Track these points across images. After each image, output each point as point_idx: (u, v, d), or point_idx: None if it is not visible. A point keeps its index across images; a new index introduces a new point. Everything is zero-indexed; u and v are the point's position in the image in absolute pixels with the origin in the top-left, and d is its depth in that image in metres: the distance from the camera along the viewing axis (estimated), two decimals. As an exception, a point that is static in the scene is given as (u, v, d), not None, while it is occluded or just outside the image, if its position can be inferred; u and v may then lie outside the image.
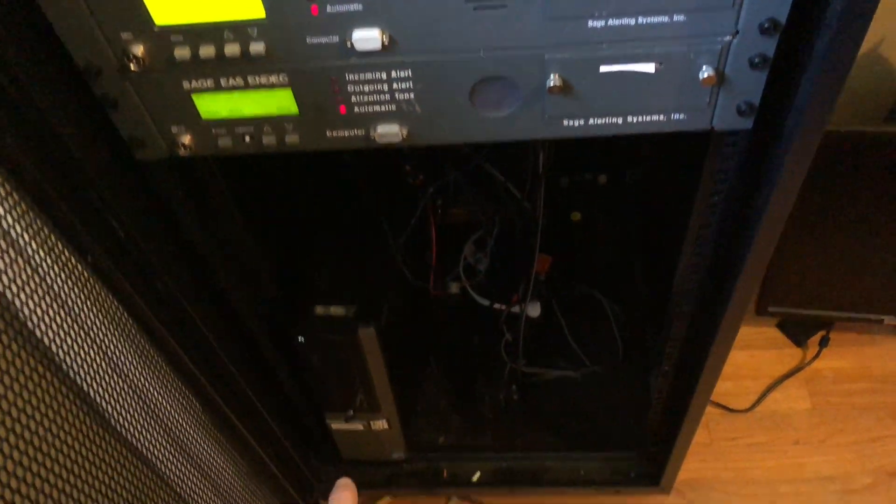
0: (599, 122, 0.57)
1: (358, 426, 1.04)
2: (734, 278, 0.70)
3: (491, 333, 1.19)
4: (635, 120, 0.57)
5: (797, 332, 1.33)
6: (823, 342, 1.30)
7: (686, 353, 0.90)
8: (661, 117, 0.56)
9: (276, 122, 0.57)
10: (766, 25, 0.49)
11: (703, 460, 1.21)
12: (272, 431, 0.95)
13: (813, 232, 1.12)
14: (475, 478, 1.15)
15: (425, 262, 1.12)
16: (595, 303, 1.26)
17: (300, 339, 0.88)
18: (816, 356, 1.30)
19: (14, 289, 0.49)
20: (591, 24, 0.50)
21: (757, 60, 0.52)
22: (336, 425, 1.04)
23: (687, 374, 0.90)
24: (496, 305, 1.23)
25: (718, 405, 1.27)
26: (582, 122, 0.57)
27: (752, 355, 1.33)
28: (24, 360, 0.49)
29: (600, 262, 1.32)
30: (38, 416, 0.50)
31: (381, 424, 1.04)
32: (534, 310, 1.24)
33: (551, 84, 0.53)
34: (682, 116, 0.56)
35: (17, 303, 0.49)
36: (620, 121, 0.57)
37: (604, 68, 0.53)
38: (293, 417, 1.03)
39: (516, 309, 1.18)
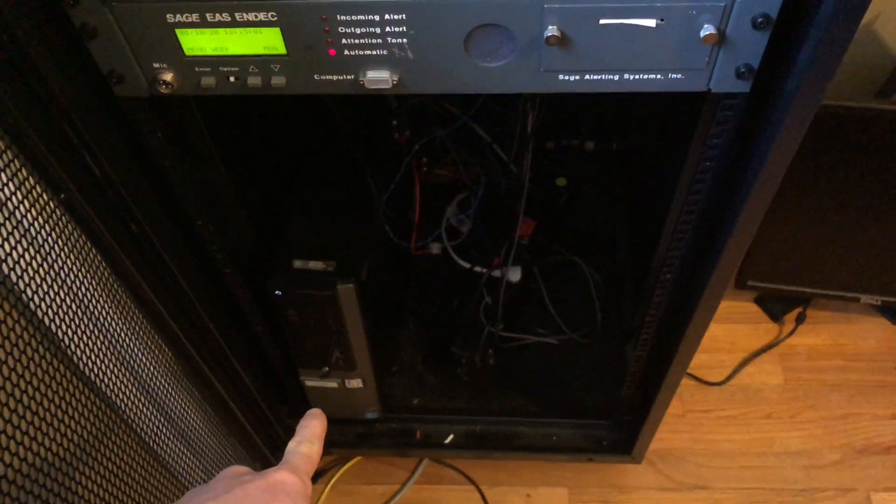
0: (595, 78, 0.55)
1: (332, 384, 1.03)
2: (720, 249, 0.70)
3: (470, 296, 1.18)
4: (632, 78, 0.55)
5: (774, 307, 1.34)
6: (800, 318, 1.31)
7: (665, 323, 0.90)
8: (659, 76, 0.55)
9: (262, 63, 0.55)
10: (772, -17, 0.48)
11: (676, 431, 1.22)
12: (244, 384, 0.94)
13: (796, 208, 1.12)
14: (448, 440, 1.15)
15: (408, 221, 1.10)
16: (576, 270, 1.25)
17: (277, 292, 0.87)
18: (792, 332, 1.31)
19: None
20: (593, -26, 0.48)
21: (760, 20, 0.50)
22: (310, 382, 1.03)
23: (664, 345, 0.90)
24: (476, 268, 1.22)
25: (693, 377, 1.27)
26: (578, 77, 0.55)
27: (729, 329, 1.33)
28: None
29: (583, 230, 1.31)
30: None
31: (356, 383, 1.03)
32: (514, 274, 1.23)
33: (549, 34, 0.51)
34: (679, 76, 0.55)
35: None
36: (617, 78, 0.55)
37: (603, 21, 0.51)
38: (266, 372, 1.02)
39: (497, 273, 1.17)
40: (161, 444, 0.78)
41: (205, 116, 0.71)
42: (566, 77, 0.55)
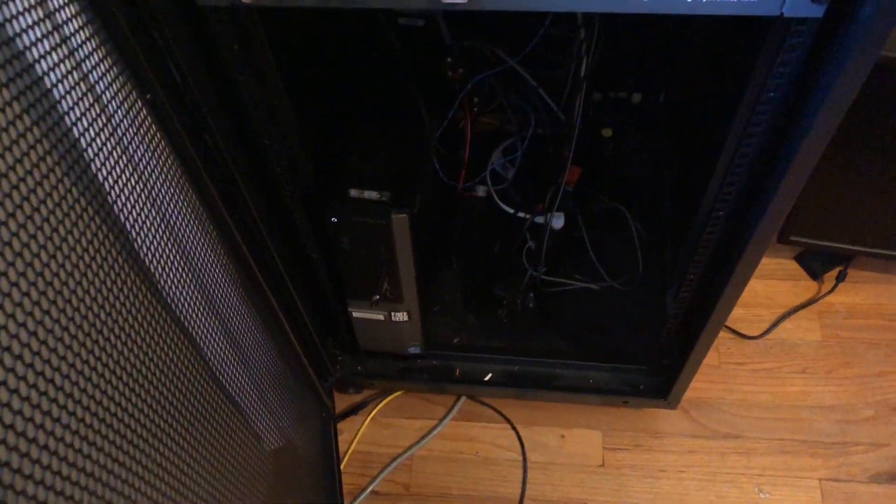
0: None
1: (379, 315, 1.06)
2: (769, 197, 0.70)
3: (514, 240, 1.20)
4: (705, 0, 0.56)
5: (814, 265, 1.34)
6: (840, 277, 1.31)
7: (708, 273, 0.91)
8: (733, -1, 0.56)
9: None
10: None
11: (711, 381, 1.24)
12: (297, 308, 0.97)
13: (844, 163, 1.12)
14: (487, 378, 1.17)
15: (457, 161, 1.12)
16: (619, 218, 1.26)
17: (333, 219, 0.89)
18: (832, 290, 1.32)
19: (74, 114, 0.49)
20: None
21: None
22: (357, 313, 1.06)
23: (706, 295, 0.91)
24: (520, 213, 1.24)
25: (730, 329, 1.29)
26: (651, -3, 0.56)
27: (768, 285, 1.34)
28: (69, 188, 0.50)
29: (628, 180, 1.32)
30: (78, 249, 0.50)
31: (401, 316, 1.06)
32: (558, 221, 1.25)
33: (627, -49, 0.52)
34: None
35: (77, 130, 0.50)
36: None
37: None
38: (317, 300, 1.05)
39: (540, 219, 1.19)
40: (215, 354, 0.81)
41: (272, 41, 0.73)
42: (642, -2, 0.56)
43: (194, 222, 0.70)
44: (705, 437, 1.19)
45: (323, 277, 1.00)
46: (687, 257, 1.07)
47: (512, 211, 1.25)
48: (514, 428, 1.22)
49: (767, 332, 1.29)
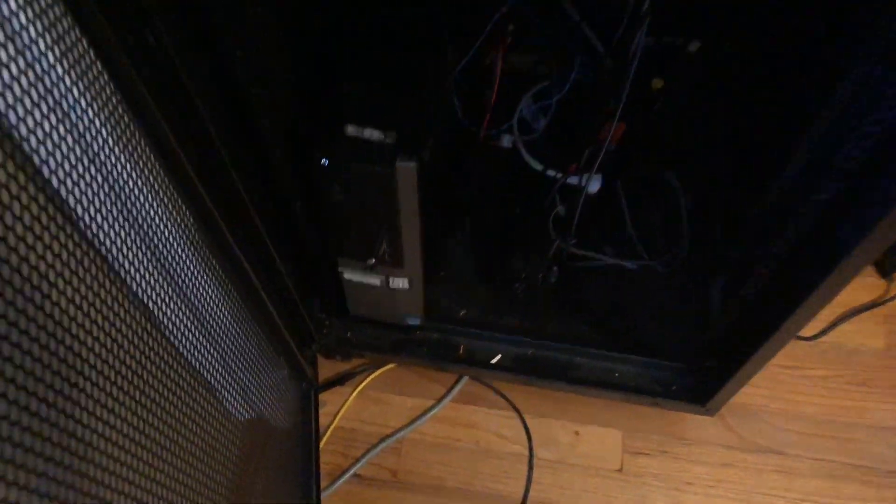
0: None
1: (375, 280, 0.89)
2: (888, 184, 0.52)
3: (540, 203, 1.02)
4: None
5: (886, 261, 1.16)
6: (917, 278, 1.13)
7: (784, 271, 0.74)
8: None
9: None
10: None
11: (754, 385, 1.06)
12: (274, 264, 0.80)
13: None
14: (494, 360, 1.01)
15: (480, 104, 0.94)
16: (666, 188, 1.08)
17: (323, 161, 0.72)
18: (904, 292, 1.14)
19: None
20: None
21: None
22: (349, 275, 0.90)
23: (778, 297, 0.74)
24: (550, 172, 1.06)
25: (782, 327, 1.11)
26: None
27: (830, 279, 1.16)
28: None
29: (679, 142, 1.13)
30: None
31: (400, 283, 0.89)
32: (593, 184, 1.07)
33: None
34: None
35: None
36: None
37: None
38: (300, 256, 0.88)
39: (574, 180, 1.01)
40: (165, 313, 0.65)
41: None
42: None
43: (135, 164, 0.53)
44: (741, 450, 1.03)
45: (307, 231, 0.83)
46: (752, 244, 0.90)
47: (541, 168, 1.07)
48: (521, 418, 1.06)
49: (824, 332, 1.11)
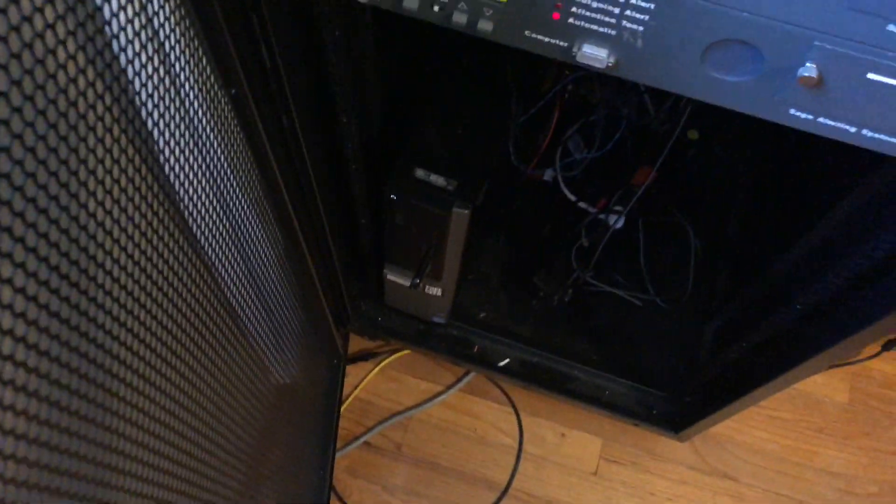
0: (829, 123, 0.49)
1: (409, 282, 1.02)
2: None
3: (565, 230, 1.15)
4: (870, 135, 0.48)
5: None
6: (888, 345, 1.26)
7: (781, 335, 0.85)
8: (900, 141, 0.48)
9: (474, 2, 0.49)
10: None
11: (725, 418, 1.21)
12: (329, 254, 0.92)
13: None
14: (503, 363, 1.15)
15: (533, 144, 1.05)
16: (681, 232, 1.20)
17: (392, 196, 0.84)
18: (875, 356, 1.26)
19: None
20: (890, 27, 0.41)
21: None
22: (392, 276, 1.03)
23: (768, 357, 0.86)
24: (581, 204, 1.17)
25: (759, 371, 1.25)
26: (811, 116, 0.49)
27: (811, 334, 1.29)
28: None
29: (702, 192, 1.24)
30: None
31: (435, 291, 1.02)
32: (618, 222, 1.19)
33: (804, 74, 0.44)
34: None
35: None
36: (853, 130, 0.48)
37: (872, 76, 0.44)
38: (353, 252, 1.00)
39: (601, 215, 1.13)
40: (232, 280, 0.76)
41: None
42: (798, 113, 0.49)
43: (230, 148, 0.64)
44: (702, 472, 1.18)
45: (366, 238, 0.96)
46: (752, 302, 1.01)
47: (574, 199, 1.18)
48: (517, 414, 1.20)
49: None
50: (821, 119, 0.49)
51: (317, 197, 0.77)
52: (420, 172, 0.84)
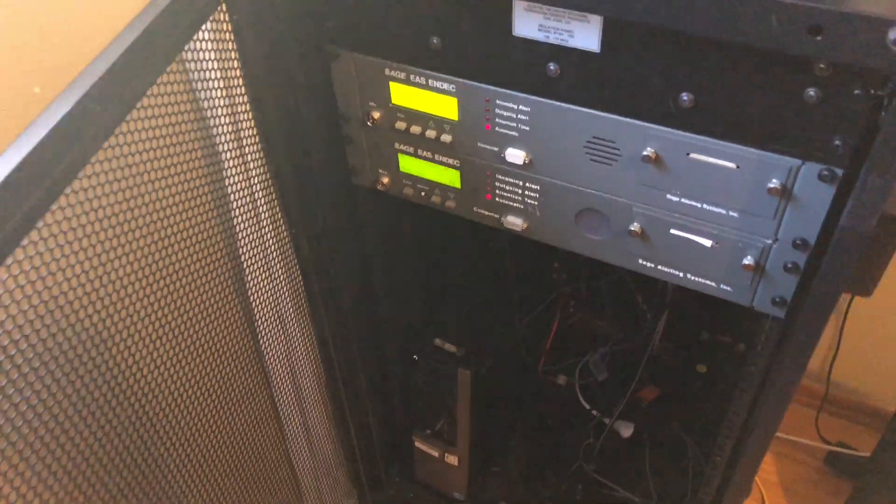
0: (664, 270, 0.74)
1: (434, 451, 1.23)
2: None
3: (576, 430, 1.33)
4: (692, 279, 0.73)
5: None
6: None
7: None
8: (713, 283, 0.72)
9: (444, 189, 0.81)
10: (798, 242, 0.64)
11: None
12: (367, 423, 1.17)
13: None
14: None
15: (542, 340, 1.30)
16: (682, 446, 1.35)
17: (414, 357, 1.10)
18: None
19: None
20: (669, 196, 0.68)
21: (790, 266, 0.66)
22: (418, 443, 1.24)
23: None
24: (594, 412, 1.37)
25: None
26: (651, 265, 0.74)
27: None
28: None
29: (706, 415, 1.41)
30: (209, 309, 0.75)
31: (452, 459, 1.22)
32: (626, 430, 1.36)
33: (632, 228, 0.71)
34: (728, 288, 0.72)
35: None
36: (681, 275, 0.73)
37: (674, 231, 0.70)
38: (389, 423, 1.24)
39: (608, 419, 1.32)
40: (292, 435, 1.02)
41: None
42: (643, 262, 0.75)
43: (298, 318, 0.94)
44: None
45: (397, 404, 1.20)
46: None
47: (588, 407, 1.38)
48: None
49: None
50: (659, 266, 0.74)
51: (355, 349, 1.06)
52: (438, 341, 1.11)
